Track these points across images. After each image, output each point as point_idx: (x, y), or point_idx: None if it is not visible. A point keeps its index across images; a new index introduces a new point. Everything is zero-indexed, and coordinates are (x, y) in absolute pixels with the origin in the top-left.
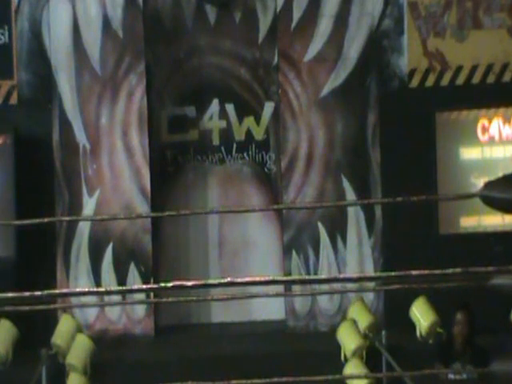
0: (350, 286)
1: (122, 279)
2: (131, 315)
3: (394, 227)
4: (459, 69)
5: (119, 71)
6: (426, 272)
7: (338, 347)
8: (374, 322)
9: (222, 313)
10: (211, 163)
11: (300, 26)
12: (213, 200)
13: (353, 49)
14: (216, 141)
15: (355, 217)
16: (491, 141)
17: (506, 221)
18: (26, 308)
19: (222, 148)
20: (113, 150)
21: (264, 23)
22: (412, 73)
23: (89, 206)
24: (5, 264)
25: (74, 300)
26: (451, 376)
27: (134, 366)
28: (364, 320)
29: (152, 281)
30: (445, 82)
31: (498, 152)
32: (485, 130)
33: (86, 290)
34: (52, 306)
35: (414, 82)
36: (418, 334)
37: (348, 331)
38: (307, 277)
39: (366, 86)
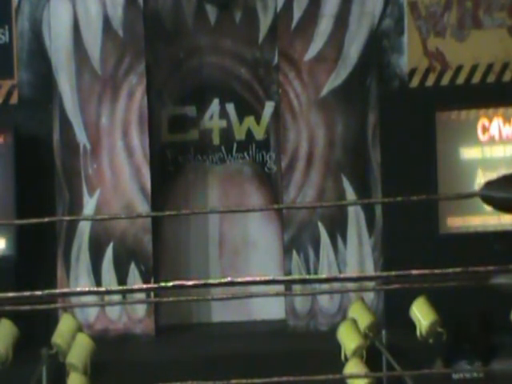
0: (350, 285)
1: (122, 279)
2: (131, 315)
3: (393, 227)
4: (459, 68)
5: (119, 71)
6: (426, 272)
7: (338, 347)
8: (374, 321)
9: (222, 312)
10: (211, 163)
11: (300, 25)
12: (213, 200)
13: (353, 49)
14: (216, 140)
15: (355, 217)
16: (491, 141)
17: (506, 220)
18: (27, 307)
19: (223, 148)
20: (113, 149)
21: (264, 23)
22: (412, 73)
23: (89, 205)
24: (5, 263)
25: (74, 299)
26: (455, 376)
27: (134, 366)
28: (364, 320)
29: (152, 280)
30: (445, 81)
31: (497, 152)
32: (485, 129)
33: (87, 289)
34: (52, 306)
35: (414, 82)
36: (418, 333)
37: (348, 331)
38: (307, 276)
39: (366, 86)
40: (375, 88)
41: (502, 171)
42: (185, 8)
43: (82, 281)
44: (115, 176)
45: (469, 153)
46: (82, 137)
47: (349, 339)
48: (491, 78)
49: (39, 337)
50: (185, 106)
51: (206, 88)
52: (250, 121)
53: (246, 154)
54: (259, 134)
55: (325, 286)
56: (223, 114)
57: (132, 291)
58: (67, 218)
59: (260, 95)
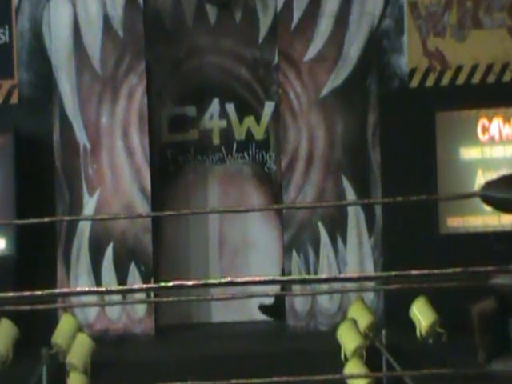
0: (350, 285)
1: (122, 279)
2: (131, 315)
3: (394, 227)
4: (459, 69)
5: (119, 71)
6: (426, 272)
7: (338, 347)
8: (373, 321)
9: (222, 312)
10: (211, 163)
11: (300, 25)
12: (213, 200)
13: (353, 49)
14: (216, 140)
15: (355, 217)
16: (491, 140)
17: (506, 220)
18: (27, 307)
19: (223, 148)
20: (113, 149)
21: (264, 23)
22: (412, 73)
23: (89, 205)
24: (5, 263)
25: (74, 299)
26: None
27: (133, 366)
28: (364, 320)
29: (152, 280)
30: (445, 81)
31: (497, 152)
32: (485, 129)
33: (87, 289)
34: (52, 306)
35: (414, 82)
36: (417, 333)
37: (348, 331)
38: (307, 277)
39: (366, 86)
40: (375, 88)
41: (502, 171)
42: (185, 8)
43: (81, 281)
44: (115, 176)
45: (469, 153)
46: (82, 137)
47: (349, 339)
48: (491, 78)
49: (39, 336)
50: (185, 106)
51: (206, 88)
52: (249, 121)
53: (245, 154)
54: (259, 133)
55: (325, 286)
56: (223, 114)
57: (132, 291)
58: (67, 217)
59: (260, 95)
